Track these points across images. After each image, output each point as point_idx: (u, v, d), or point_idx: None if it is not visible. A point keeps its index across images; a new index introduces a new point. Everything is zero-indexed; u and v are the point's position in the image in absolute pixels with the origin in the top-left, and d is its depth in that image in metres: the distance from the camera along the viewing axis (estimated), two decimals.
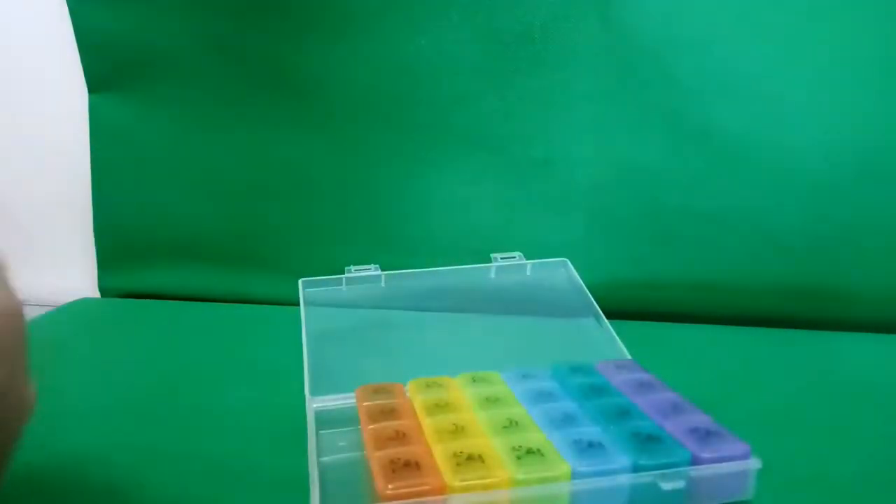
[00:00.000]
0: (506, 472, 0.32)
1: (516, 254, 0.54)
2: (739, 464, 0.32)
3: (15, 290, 0.21)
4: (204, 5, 0.61)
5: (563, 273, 0.53)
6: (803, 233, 0.56)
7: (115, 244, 0.69)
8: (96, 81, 0.66)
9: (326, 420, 0.39)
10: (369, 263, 0.53)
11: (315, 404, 0.40)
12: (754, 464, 0.32)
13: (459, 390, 0.40)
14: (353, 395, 0.39)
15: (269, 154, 0.64)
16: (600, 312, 0.48)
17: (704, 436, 0.34)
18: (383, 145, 0.62)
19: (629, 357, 0.44)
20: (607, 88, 0.58)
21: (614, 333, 0.46)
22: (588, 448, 0.33)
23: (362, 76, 0.61)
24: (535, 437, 0.34)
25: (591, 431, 0.35)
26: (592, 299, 0.49)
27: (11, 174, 0.72)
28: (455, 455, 0.32)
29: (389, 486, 0.30)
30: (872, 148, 0.55)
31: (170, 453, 0.39)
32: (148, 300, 0.68)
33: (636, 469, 0.32)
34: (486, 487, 0.31)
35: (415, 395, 0.39)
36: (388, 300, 0.52)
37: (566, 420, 0.36)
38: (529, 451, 0.33)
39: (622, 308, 0.53)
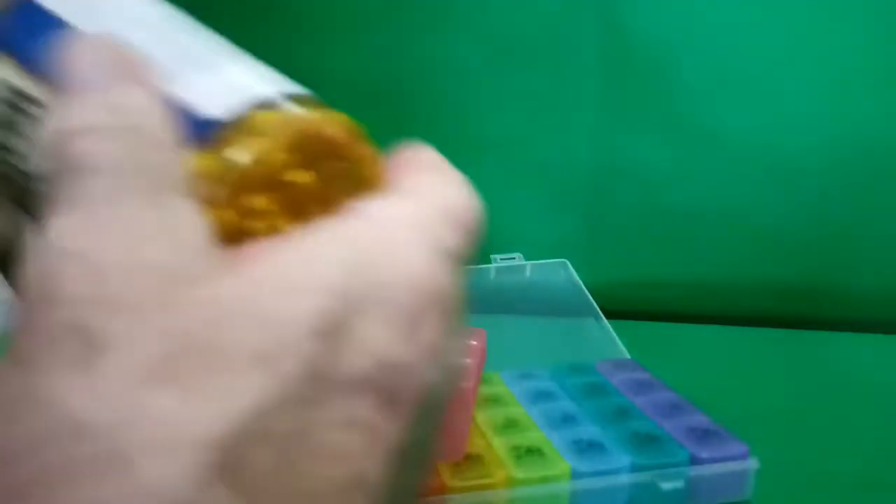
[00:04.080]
0: (505, 471, 0.32)
1: (516, 255, 0.54)
2: (738, 464, 0.32)
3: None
4: (202, 5, 0.61)
5: (562, 273, 0.53)
6: (803, 233, 0.56)
7: None
8: None
9: None
10: None
11: None
12: (752, 464, 0.33)
13: None
14: None
15: None
16: (600, 312, 0.48)
17: (703, 436, 0.34)
18: (383, 146, 0.62)
19: (629, 357, 0.45)
20: (608, 88, 0.58)
21: (614, 333, 0.46)
22: (588, 448, 0.33)
23: (362, 76, 0.61)
24: (535, 436, 0.34)
25: (590, 431, 0.35)
26: (592, 299, 0.49)
27: None
28: None
29: None
30: (873, 148, 0.55)
31: None
32: None
33: (635, 469, 0.32)
34: (485, 487, 0.31)
35: None
36: None
37: (566, 420, 0.36)
38: (529, 451, 0.33)
39: (622, 308, 0.53)
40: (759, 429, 0.34)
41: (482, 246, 0.18)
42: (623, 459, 0.32)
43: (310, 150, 0.16)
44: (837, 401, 0.44)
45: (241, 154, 0.15)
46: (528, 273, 0.53)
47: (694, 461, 0.32)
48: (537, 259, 0.53)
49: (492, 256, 0.53)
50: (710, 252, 0.58)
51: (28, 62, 0.17)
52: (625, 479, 0.32)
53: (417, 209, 0.16)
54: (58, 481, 0.11)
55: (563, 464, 0.32)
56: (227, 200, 0.15)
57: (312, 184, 0.16)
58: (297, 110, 0.17)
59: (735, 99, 0.56)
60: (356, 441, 0.13)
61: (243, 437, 0.12)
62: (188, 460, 0.11)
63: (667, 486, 0.32)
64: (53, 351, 0.12)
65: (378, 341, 0.13)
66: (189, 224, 0.14)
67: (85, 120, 0.14)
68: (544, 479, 0.31)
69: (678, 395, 0.38)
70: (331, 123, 0.18)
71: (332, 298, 0.13)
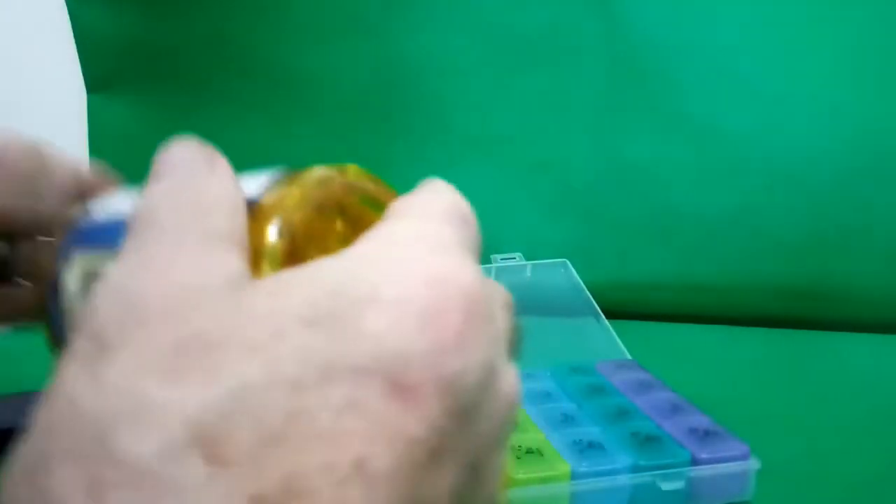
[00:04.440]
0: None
1: (516, 255, 0.54)
2: (738, 464, 0.32)
3: None
4: (204, 5, 0.61)
5: (562, 273, 0.53)
6: (803, 233, 0.56)
7: None
8: (95, 82, 0.66)
9: None
10: None
11: None
12: (753, 464, 0.32)
13: None
14: None
15: (269, 154, 0.64)
16: (600, 312, 0.48)
17: (704, 436, 0.34)
18: (384, 146, 0.62)
19: (629, 357, 0.44)
20: (607, 88, 0.58)
21: (614, 333, 0.46)
22: (588, 448, 0.33)
23: (363, 76, 0.61)
24: (535, 437, 0.34)
25: (590, 432, 0.35)
26: (592, 299, 0.49)
27: None
28: None
29: None
30: (872, 148, 0.55)
31: None
32: None
33: (636, 469, 0.32)
34: None
35: None
36: None
37: (566, 420, 0.36)
38: (529, 451, 0.33)
39: (622, 308, 0.53)
40: (759, 429, 0.34)
41: (482, 245, 0.18)
42: (623, 460, 0.32)
43: (333, 197, 0.20)
44: (838, 401, 0.44)
45: (278, 217, 0.18)
46: (528, 273, 0.53)
47: (694, 462, 0.32)
48: (537, 259, 0.53)
49: (492, 256, 0.53)
50: (710, 252, 0.58)
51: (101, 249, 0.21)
52: (625, 479, 0.32)
53: (413, 220, 0.17)
54: (55, 462, 0.12)
55: (563, 464, 0.32)
56: (278, 247, 0.18)
57: (342, 224, 0.20)
58: (314, 172, 0.21)
59: (736, 99, 0.56)
60: (356, 426, 0.13)
61: (222, 416, 0.12)
62: (162, 436, 0.12)
63: (667, 486, 0.32)
64: (73, 357, 0.14)
65: (379, 330, 0.14)
66: (217, 263, 0.15)
67: (160, 191, 0.17)
68: (544, 480, 0.31)
69: (678, 395, 0.38)
70: (344, 172, 0.21)
71: (321, 293, 0.14)
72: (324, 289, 0.14)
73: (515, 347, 0.18)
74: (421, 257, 0.16)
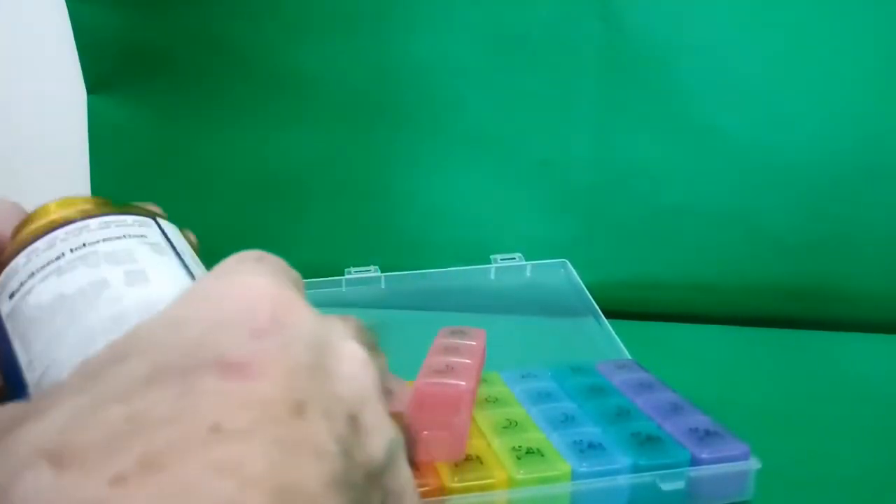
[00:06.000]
0: (505, 472, 0.32)
1: (516, 255, 0.54)
2: (739, 464, 0.32)
3: None
4: (203, 5, 0.61)
5: (562, 273, 0.53)
6: (803, 233, 0.56)
7: None
8: (95, 82, 0.66)
9: None
10: (369, 265, 0.53)
11: None
12: (754, 464, 0.32)
13: None
14: None
15: (269, 154, 0.64)
16: (600, 312, 0.48)
17: (704, 436, 0.34)
18: (383, 145, 0.62)
19: (629, 357, 0.44)
20: (607, 88, 0.58)
21: (614, 333, 0.46)
22: (588, 448, 0.33)
23: (362, 76, 0.61)
24: (535, 437, 0.34)
25: (590, 432, 0.35)
26: (592, 299, 0.49)
27: (9, 176, 0.72)
28: None
29: None
30: (872, 148, 0.55)
31: None
32: None
33: (636, 469, 0.32)
34: (485, 488, 0.31)
35: None
36: (389, 301, 0.52)
37: (566, 420, 0.36)
38: (529, 452, 0.33)
39: (622, 308, 0.53)
40: (760, 429, 0.34)
41: (483, 245, 0.18)
42: (623, 460, 0.32)
43: None
44: (838, 401, 0.44)
45: None
46: (528, 273, 0.53)
47: (694, 462, 0.32)
48: (537, 259, 0.53)
49: (492, 256, 0.53)
50: (710, 252, 0.58)
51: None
52: (625, 479, 0.32)
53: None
54: None
55: (564, 464, 0.32)
56: None
57: None
58: None
59: (735, 99, 0.56)
60: (200, 403, 0.14)
61: (62, 432, 0.13)
62: (10, 463, 0.13)
63: (667, 486, 0.32)
64: None
65: (193, 335, 0.15)
66: None
67: None
68: (544, 480, 0.31)
69: (678, 395, 0.38)
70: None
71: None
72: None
73: (358, 331, 0.19)
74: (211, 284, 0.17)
